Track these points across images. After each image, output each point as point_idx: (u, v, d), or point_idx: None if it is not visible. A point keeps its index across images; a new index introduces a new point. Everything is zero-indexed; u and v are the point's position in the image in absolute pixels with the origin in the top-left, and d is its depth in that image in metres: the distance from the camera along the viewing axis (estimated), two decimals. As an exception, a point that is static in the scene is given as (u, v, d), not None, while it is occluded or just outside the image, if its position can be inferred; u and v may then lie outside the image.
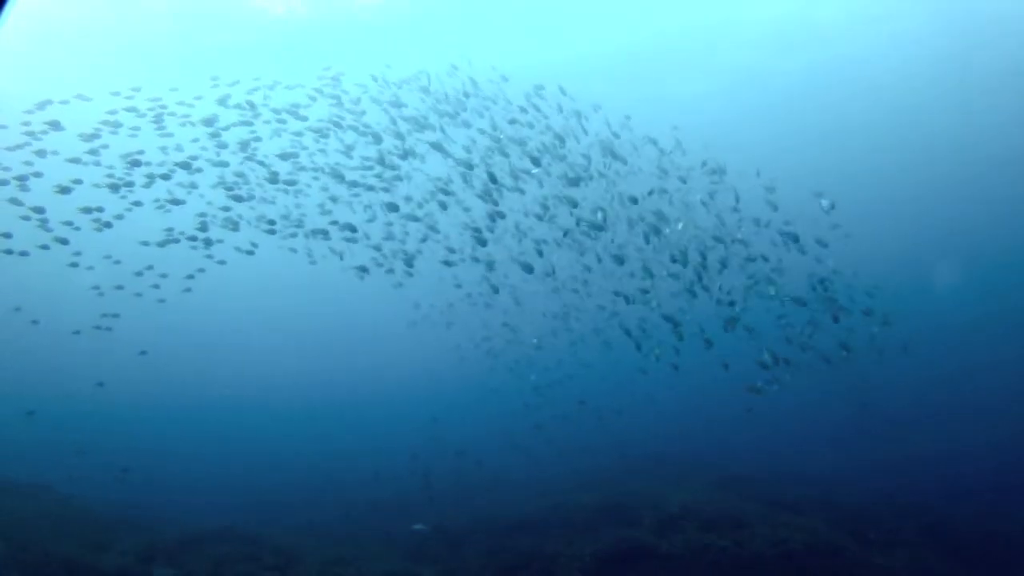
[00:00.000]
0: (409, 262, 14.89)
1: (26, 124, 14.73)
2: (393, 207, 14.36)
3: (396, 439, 24.71)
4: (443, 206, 14.39)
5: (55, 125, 13.73)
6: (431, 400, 36.70)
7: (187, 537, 13.31)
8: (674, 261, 12.81)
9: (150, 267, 18.43)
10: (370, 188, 14.86)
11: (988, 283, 38.79)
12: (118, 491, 18.40)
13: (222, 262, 16.56)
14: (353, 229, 13.93)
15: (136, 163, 13.94)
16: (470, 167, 13.44)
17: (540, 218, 13.88)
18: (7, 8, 2.43)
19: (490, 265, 15.54)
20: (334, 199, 15.41)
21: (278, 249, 16.28)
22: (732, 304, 13.21)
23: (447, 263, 15.28)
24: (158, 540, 13.16)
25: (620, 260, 13.57)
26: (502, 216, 13.53)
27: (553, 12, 29.40)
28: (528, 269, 13.63)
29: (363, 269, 14.93)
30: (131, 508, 16.74)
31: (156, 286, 19.16)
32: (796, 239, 13.00)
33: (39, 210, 12.88)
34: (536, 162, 13.30)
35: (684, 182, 14.57)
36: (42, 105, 14.69)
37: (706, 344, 13.39)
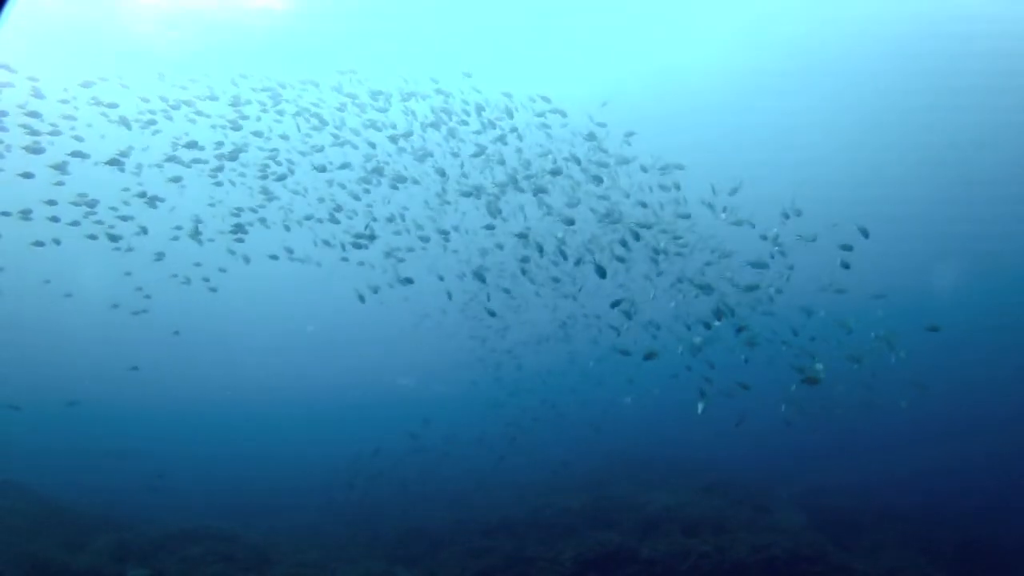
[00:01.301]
0: (407, 280, 14.48)
1: (66, 102, 14.66)
2: (390, 218, 14.36)
3: (381, 441, 24.50)
4: (433, 233, 14.32)
5: (111, 105, 13.68)
6: (417, 402, 36.50)
7: (162, 537, 13.11)
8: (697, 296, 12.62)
9: (161, 255, 18.04)
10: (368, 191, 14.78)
11: (976, 299, 38.75)
12: (97, 491, 18.17)
13: (248, 259, 16.24)
14: (359, 238, 13.78)
15: (193, 144, 13.65)
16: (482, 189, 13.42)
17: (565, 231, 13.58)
18: (7, 8, 2.43)
19: (483, 279, 15.31)
20: (339, 208, 15.17)
21: (270, 249, 16.09)
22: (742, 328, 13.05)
23: (452, 295, 15.19)
24: (133, 539, 12.97)
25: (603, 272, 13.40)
26: (525, 238, 13.44)
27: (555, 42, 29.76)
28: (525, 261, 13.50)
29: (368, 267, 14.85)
30: (108, 507, 16.51)
31: (175, 274, 18.71)
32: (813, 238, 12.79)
33: (92, 203, 12.47)
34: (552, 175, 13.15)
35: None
36: (86, 84, 14.56)
37: (695, 349, 13.22)
